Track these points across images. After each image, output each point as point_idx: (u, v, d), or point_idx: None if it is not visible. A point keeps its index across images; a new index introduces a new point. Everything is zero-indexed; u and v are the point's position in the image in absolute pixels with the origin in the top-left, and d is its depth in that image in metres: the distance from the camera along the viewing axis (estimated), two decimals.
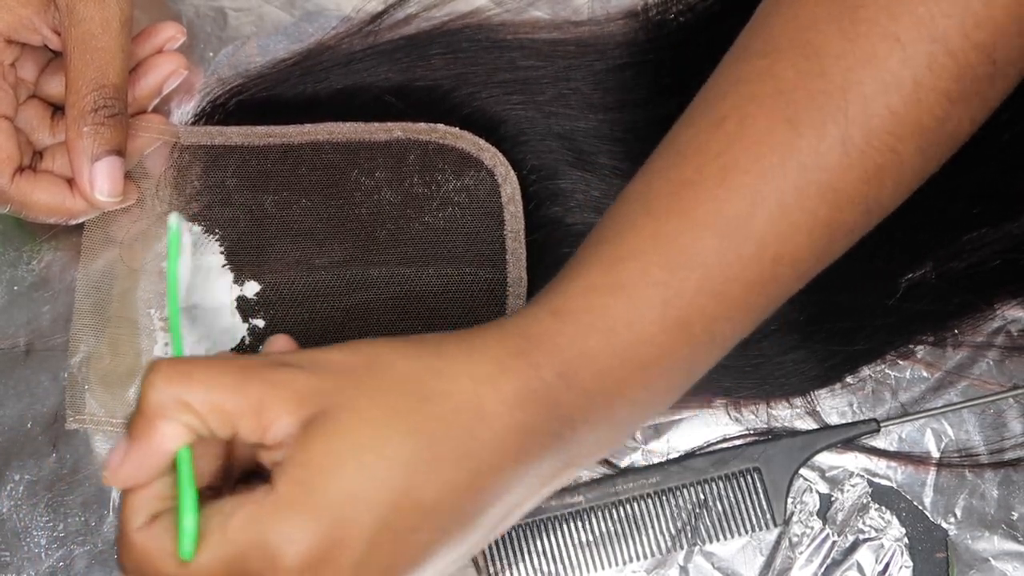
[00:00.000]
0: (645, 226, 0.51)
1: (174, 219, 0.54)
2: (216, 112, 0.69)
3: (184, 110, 0.70)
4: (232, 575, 0.47)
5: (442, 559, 0.50)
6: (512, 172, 0.67)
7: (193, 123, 0.69)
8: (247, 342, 0.65)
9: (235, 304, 0.66)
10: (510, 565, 0.63)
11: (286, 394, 0.47)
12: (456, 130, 0.67)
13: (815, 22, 0.52)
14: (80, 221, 0.67)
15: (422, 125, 0.67)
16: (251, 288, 0.66)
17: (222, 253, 0.66)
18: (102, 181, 0.63)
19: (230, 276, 0.66)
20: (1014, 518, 0.63)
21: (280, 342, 0.54)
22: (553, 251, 0.67)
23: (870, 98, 0.50)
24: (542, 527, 0.63)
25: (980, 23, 0.51)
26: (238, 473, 0.52)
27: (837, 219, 0.52)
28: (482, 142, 0.67)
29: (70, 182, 0.64)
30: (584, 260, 0.52)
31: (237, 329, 0.66)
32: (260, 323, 0.66)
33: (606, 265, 0.51)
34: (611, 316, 0.50)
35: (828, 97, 0.51)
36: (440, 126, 0.67)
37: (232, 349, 0.65)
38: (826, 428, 0.64)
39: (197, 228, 0.64)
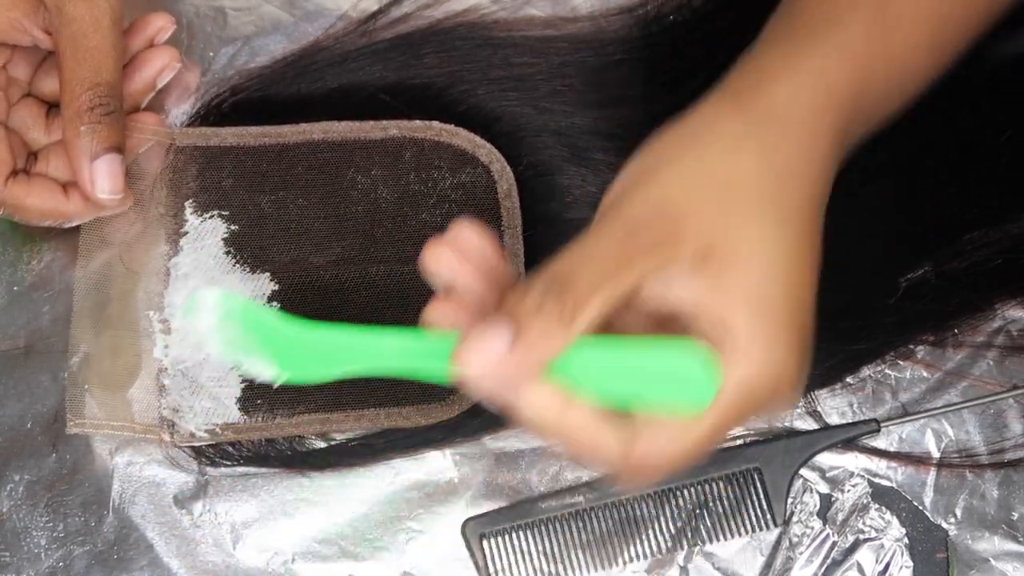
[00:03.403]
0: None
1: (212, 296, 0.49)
2: (211, 113, 0.68)
3: (179, 111, 0.68)
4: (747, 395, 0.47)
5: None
6: (508, 168, 0.65)
7: (188, 124, 0.67)
8: None
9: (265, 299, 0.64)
10: (510, 565, 0.61)
11: (670, 249, 0.47)
12: (451, 127, 0.65)
13: None
14: (75, 224, 0.64)
15: (417, 123, 0.66)
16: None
17: (228, 253, 0.64)
18: (102, 179, 0.60)
19: (242, 274, 0.64)
20: (1014, 518, 0.62)
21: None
22: (550, 247, 0.64)
23: None
24: (542, 527, 0.62)
25: None
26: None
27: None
28: (477, 139, 0.65)
29: (65, 187, 0.62)
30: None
31: None
32: None
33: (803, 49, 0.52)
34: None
35: None
36: (435, 123, 0.66)
37: None
38: (826, 428, 0.63)
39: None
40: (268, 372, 0.48)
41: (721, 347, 0.46)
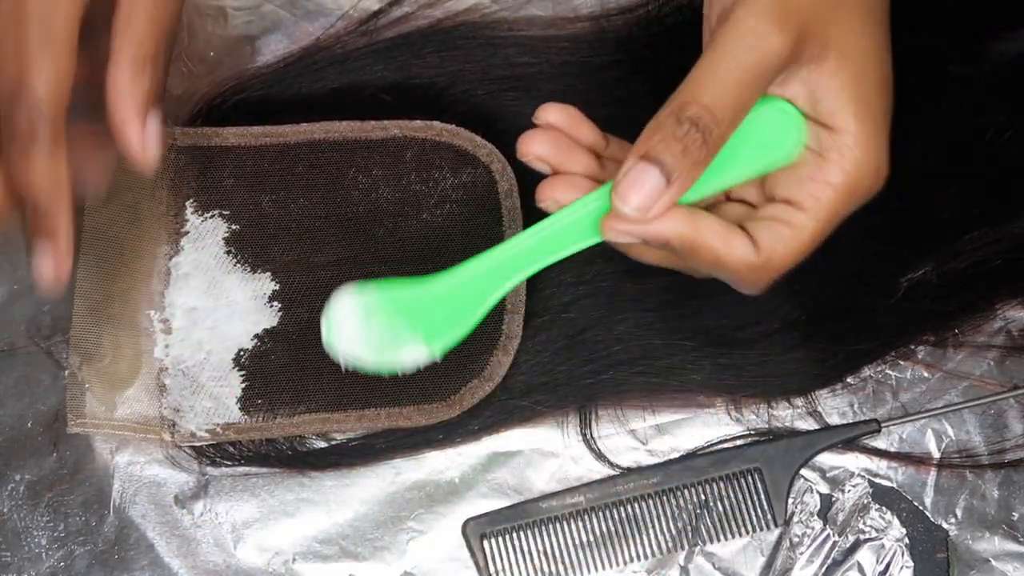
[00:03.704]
0: None
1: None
2: (212, 113, 0.67)
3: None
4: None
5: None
6: (509, 168, 0.64)
7: (189, 124, 0.66)
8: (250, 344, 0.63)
9: (266, 298, 0.64)
10: (510, 565, 0.61)
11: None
12: (452, 127, 0.65)
13: None
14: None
15: (418, 123, 0.65)
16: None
17: (229, 252, 0.64)
18: (155, 136, 0.52)
19: (243, 274, 0.64)
20: (1014, 519, 0.62)
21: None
22: None
23: None
24: (542, 527, 0.61)
25: None
26: None
27: None
28: (478, 139, 0.65)
29: None
30: None
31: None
32: None
33: None
34: None
35: None
36: (436, 123, 0.65)
37: (241, 350, 0.63)
38: (827, 428, 0.63)
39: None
40: (422, 353, 0.50)
41: (827, 151, 0.49)
